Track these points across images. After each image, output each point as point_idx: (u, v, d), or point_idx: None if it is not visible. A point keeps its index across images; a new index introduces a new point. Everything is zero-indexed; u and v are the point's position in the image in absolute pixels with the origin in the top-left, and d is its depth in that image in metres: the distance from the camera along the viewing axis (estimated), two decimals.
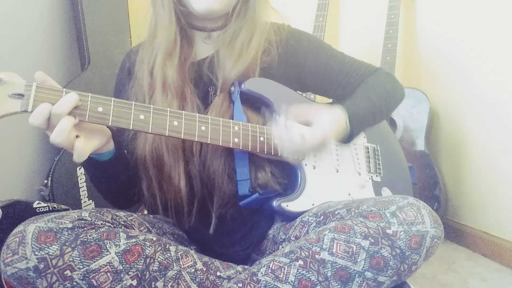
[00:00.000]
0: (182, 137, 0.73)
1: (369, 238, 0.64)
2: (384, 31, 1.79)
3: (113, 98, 0.68)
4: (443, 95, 1.70)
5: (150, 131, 0.71)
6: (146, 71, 0.85)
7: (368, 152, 0.97)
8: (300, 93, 0.95)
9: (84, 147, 0.66)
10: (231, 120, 0.79)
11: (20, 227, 0.63)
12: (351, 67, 0.95)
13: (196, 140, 0.74)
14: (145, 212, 0.95)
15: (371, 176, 0.95)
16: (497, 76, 1.46)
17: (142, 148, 0.83)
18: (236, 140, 0.78)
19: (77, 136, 0.66)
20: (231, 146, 0.78)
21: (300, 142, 0.77)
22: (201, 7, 0.82)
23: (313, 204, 0.83)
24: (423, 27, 1.82)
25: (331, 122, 0.82)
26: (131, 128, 0.69)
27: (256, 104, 0.87)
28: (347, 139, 0.89)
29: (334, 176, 0.89)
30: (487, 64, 1.50)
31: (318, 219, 0.76)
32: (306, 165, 0.86)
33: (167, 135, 0.72)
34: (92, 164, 0.77)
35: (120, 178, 0.83)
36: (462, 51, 1.61)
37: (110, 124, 0.67)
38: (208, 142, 0.76)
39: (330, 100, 1.01)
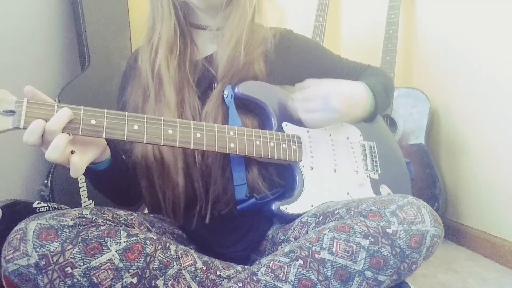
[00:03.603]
0: (177, 146, 0.72)
1: (369, 237, 0.64)
2: (384, 31, 1.80)
3: (106, 110, 0.67)
4: (443, 95, 1.71)
5: (145, 141, 0.70)
6: (147, 69, 0.85)
7: (365, 150, 0.97)
8: None
9: (80, 162, 0.65)
10: (226, 126, 0.78)
11: (21, 224, 0.63)
12: (346, 66, 1.02)
13: (192, 147, 0.74)
14: (146, 211, 0.95)
15: (369, 174, 0.94)
16: (497, 75, 1.46)
17: (141, 149, 0.83)
18: (232, 145, 0.77)
19: (72, 152, 0.65)
20: (227, 152, 0.77)
21: (322, 104, 0.80)
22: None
23: (312, 205, 0.83)
24: (423, 27, 1.82)
25: (350, 94, 0.84)
26: (125, 139, 0.68)
27: (250, 108, 0.87)
28: (371, 117, 0.90)
29: (332, 176, 0.89)
30: (487, 63, 1.50)
31: (317, 220, 0.76)
32: (303, 166, 0.86)
33: (162, 144, 0.71)
34: (90, 173, 0.77)
35: (120, 181, 0.84)
36: (462, 50, 1.62)
37: (104, 136, 0.67)
38: (204, 149, 0.75)
39: None
